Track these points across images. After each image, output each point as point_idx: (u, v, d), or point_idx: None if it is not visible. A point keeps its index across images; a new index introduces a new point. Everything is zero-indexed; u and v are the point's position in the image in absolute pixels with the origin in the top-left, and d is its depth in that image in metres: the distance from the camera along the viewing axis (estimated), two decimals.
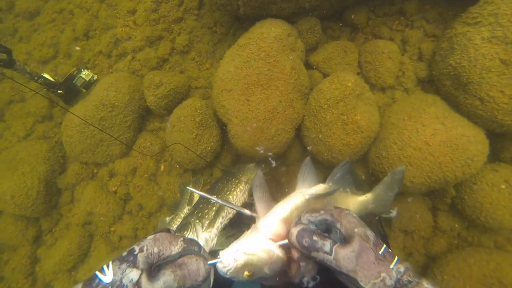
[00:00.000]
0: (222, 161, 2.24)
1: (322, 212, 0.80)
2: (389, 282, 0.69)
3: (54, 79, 2.63)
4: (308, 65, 2.27)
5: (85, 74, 2.76)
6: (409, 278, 0.68)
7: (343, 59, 2.15)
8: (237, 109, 1.83)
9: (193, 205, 1.80)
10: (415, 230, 1.82)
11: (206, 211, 1.62)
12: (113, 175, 2.51)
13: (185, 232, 1.54)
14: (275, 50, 1.93)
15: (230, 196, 1.72)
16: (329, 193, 1.08)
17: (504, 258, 1.55)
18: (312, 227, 0.80)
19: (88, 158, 2.48)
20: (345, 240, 0.76)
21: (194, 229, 1.55)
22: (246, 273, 0.80)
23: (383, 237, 1.57)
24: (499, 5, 1.50)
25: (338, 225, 0.77)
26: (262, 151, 1.78)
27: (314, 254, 0.75)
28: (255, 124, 1.76)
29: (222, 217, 1.61)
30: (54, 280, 2.33)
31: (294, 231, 0.79)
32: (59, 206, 2.53)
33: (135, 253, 0.70)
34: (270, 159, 1.67)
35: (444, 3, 2.05)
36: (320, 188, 1.10)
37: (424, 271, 1.82)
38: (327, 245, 0.73)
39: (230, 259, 0.79)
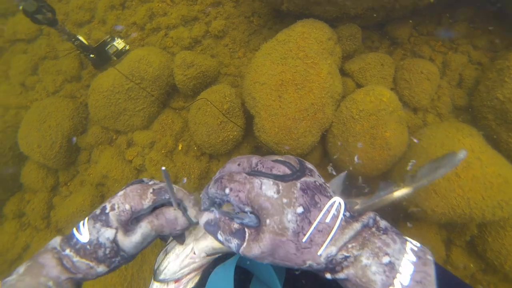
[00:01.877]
0: (241, 151, 2.26)
1: (227, 191, 0.63)
2: (317, 266, 0.59)
3: (88, 42, 2.68)
4: (342, 72, 2.25)
5: (118, 43, 2.79)
6: (344, 254, 0.58)
7: (379, 72, 2.13)
8: (267, 103, 1.84)
9: None
10: None
11: None
12: (130, 145, 2.56)
13: None
14: (314, 51, 1.93)
15: None
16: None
17: None
18: (217, 215, 0.66)
19: (109, 124, 2.52)
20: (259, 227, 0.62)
21: None
22: None
23: None
24: None
25: (248, 209, 0.62)
26: (285, 149, 1.80)
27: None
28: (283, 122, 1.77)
29: None
30: (64, 228, 2.45)
31: (203, 219, 0.67)
32: (76, 163, 2.62)
33: (107, 211, 0.71)
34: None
35: (497, 31, 1.99)
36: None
37: None
38: (232, 244, 0.62)
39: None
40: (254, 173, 0.65)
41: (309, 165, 0.73)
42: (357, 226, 0.60)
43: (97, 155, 2.57)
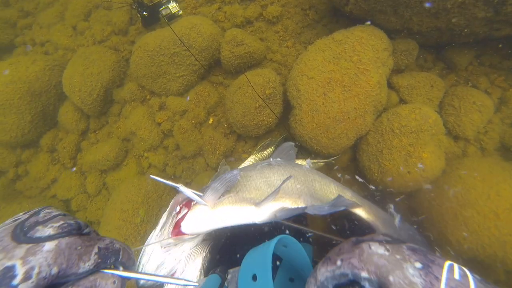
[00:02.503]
0: (270, 139, 2.27)
1: (339, 263, 0.61)
2: None
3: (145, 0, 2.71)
4: (388, 85, 2.21)
5: (173, 6, 2.81)
6: None
7: (426, 93, 2.09)
8: (311, 98, 1.83)
9: None
10: None
11: None
12: (162, 108, 2.60)
13: None
14: (368, 58, 1.90)
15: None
16: None
17: None
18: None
19: (146, 83, 2.57)
20: None
21: None
22: None
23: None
24: None
25: (364, 274, 0.58)
26: (317, 147, 1.80)
27: None
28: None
29: None
30: (88, 172, 2.57)
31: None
32: (108, 114, 2.71)
33: (15, 283, 0.43)
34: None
35: None
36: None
37: None
38: None
39: None
40: (359, 241, 0.65)
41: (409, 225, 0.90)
42: (481, 285, 0.55)
43: (128, 111, 2.64)
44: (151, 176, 1.02)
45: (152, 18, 2.78)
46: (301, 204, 0.99)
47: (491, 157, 1.86)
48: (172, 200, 1.34)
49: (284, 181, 0.99)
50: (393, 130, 1.75)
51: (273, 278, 0.94)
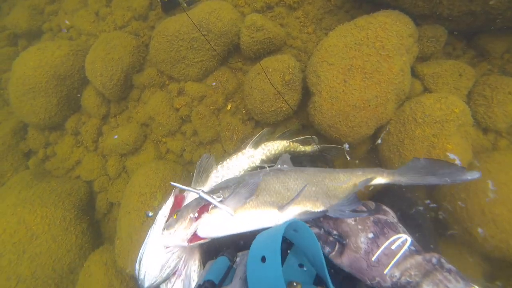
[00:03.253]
0: (288, 125, 2.25)
1: (322, 219, 0.99)
2: (384, 284, 0.78)
3: None
4: (412, 73, 2.11)
5: None
6: (408, 279, 0.74)
7: (454, 82, 1.98)
8: (331, 85, 1.78)
9: None
10: None
11: None
12: (181, 94, 2.62)
13: None
14: (391, 45, 1.82)
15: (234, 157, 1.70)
16: None
17: None
18: (317, 230, 0.98)
19: (165, 69, 2.59)
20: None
21: None
22: None
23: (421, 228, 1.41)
24: None
25: (335, 232, 0.93)
26: (336, 135, 1.76)
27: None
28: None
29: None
30: (108, 155, 2.67)
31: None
32: (127, 99, 2.77)
33: None
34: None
35: None
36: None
37: None
38: (325, 250, 0.90)
39: None
40: None
41: (386, 208, 0.99)
42: (419, 258, 0.76)
43: (148, 96, 2.68)
44: (172, 183, 1.09)
45: (172, 3, 2.77)
46: (320, 206, 1.06)
47: None
48: (170, 199, 1.36)
49: (303, 188, 1.06)
50: (415, 120, 1.68)
51: (283, 262, 0.95)
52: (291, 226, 0.87)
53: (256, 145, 1.78)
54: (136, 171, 2.28)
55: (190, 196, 1.39)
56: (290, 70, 1.99)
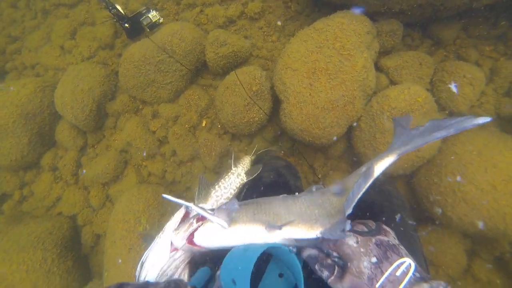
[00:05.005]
0: (264, 134, 2.27)
1: (321, 240, 0.89)
2: None
3: (124, 12, 2.71)
4: (377, 68, 2.19)
5: (153, 15, 2.80)
6: None
7: (416, 71, 2.06)
8: (297, 90, 1.82)
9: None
10: (442, 265, 1.73)
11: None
12: (155, 116, 2.61)
13: None
14: (351, 43, 1.88)
15: (226, 178, 1.73)
16: None
17: None
18: (314, 251, 0.89)
19: (137, 94, 2.58)
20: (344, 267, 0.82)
21: None
22: None
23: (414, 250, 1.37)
24: None
25: (335, 254, 0.84)
26: (309, 138, 1.79)
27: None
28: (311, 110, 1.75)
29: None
30: (90, 186, 2.60)
31: (305, 253, 0.89)
32: (103, 128, 2.72)
33: None
34: None
35: None
36: None
37: None
38: (324, 274, 0.82)
39: None
40: None
41: (386, 228, 0.92)
42: (425, 286, 0.70)
43: (123, 123, 2.66)
44: (163, 195, 1.06)
45: (135, 29, 2.79)
46: (317, 228, 0.96)
47: (488, 129, 1.82)
48: (181, 210, 1.36)
49: (291, 220, 0.98)
50: (383, 113, 1.73)
51: (264, 273, 0.94)
52: (268, 250, 0.87)
53: (235, 162, 1.82)
54: (119, 199, 2.23)
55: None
56: (257, 80, 2.02)
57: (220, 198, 1.60)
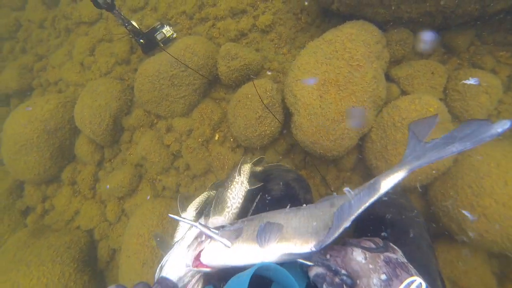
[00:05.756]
0: (276, 147, 2.28)
1: (328, 256, 0.86)
2: None
3: (139, 28, 2.83)
4: (388, 77, 2.17)
5: (167, 30, 2.92)
6: None
7: (428, 81, 2.02)
8: (307, 102, 1.83)
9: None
10: (467, 287, 1.62)
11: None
12: (169, 130, 2.68)
13: None
14: (360, 54, 1.88)
15: (233, 188, 1.72)
16: None
17: None
18: (322, 270, 0.85)
19: (152, 108, 2.66)
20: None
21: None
22: None
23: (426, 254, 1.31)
24: None
25: (344, 272, 0.81)
26: (320, 151, 1.79)
27: None
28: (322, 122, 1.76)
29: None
30: (107, 200, 2.69)
31: (312, 272, 0.86)
32: (120, 142, 2.82)
33: None
34: None
35: None
36: None
37: None
38: None
39: None
40: (347, 243, 0.87)
41: (393, 246, 0.91)
42: None
43: (138, 137, 2.74)
44: (170, 215, 1.10)
45: (150, 44, 2.90)
46: (313, 242, 0.93)
47: (505, 139, 1.75)
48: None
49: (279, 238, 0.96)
50: (394, 124, 1.71)
51: None
52: (260, 269, 0.87)
53: (239, 171, 1.84)
54: (134, 213, 2.29)
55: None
56: (268, 93, 2.05)
57: (231, 209, 1.59)
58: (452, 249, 1.66)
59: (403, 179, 0.98)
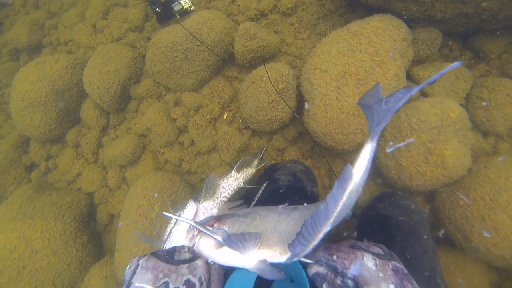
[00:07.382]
0: (285, 134, 2.23)
1: (335, 257, 0.82)
2: None
3: None
4: (408, 77, 2.09)
5: (185, 1, 2.79)
6: None
7: (451, 85, 1.95)
8: (324, 92, 1.77)
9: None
10: None
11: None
12: (177, 104, 2.63)
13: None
14: (385, 50, 1.80)
15: (225, 179, 1.84)
16: None
17: None
18: (323, 269, 0.83)
19: (161, 79, 2.60)
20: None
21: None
22: None
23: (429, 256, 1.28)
24: None
25: (350, 275, 0.78)
26: (331, 143, 1.74)
27: None
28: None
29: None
30: (108, 167, 2.68)
31: (312, 270, 0.84)
32: (125, 110, 2.78)
33: None
34: None
35: None
36: None
37: None
38: None
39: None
40: (356, 246, 0.85)
41: (396, 256, 0.88)
42: None
43: (145, 107, 2.70)
44: (164, 213, 1.08)
45: (166, 14, 2.79)
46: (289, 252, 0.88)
47: None
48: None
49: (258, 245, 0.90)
50: (411, 126, 1.65)
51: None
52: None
53: (239, 169, 1.92)
54: (135, 183, 2.29)
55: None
56: (284, 78, 1.98)
57: (220, 196, 1.72)
58: (450, 255, 1.65)
59: (374, 152, 0.91)
